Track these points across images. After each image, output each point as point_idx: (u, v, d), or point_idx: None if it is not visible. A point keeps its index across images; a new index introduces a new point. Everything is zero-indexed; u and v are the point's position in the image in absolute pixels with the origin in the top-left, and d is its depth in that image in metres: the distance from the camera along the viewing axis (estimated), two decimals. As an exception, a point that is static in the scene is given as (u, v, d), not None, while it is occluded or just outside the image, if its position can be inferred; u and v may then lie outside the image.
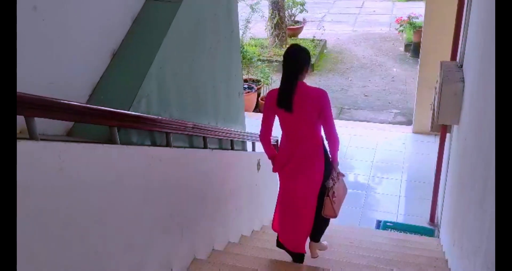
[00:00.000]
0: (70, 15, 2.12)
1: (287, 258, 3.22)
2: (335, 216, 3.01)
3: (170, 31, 2.63)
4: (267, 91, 2.92)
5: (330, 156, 2.93)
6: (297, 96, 2.73)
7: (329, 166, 2.93)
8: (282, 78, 2.77)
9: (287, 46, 10.01)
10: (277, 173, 3.06)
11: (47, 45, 2.00)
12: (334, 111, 6.19)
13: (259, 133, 2.99)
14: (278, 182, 3.10)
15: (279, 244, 3.24)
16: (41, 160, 1.45)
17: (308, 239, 3.19)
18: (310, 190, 2.95)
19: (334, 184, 2.93)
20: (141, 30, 2.61)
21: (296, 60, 2.75)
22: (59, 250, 1.54)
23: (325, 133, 2.87)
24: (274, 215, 3.29)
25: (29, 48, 1.89)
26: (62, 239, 1.56)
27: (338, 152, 2.94)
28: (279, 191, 3.13)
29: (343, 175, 3.01)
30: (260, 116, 2.92)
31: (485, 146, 1.95)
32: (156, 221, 2.28)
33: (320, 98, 2.75)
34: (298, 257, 3.23)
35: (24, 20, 1.84)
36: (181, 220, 2.59)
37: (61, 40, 2.08)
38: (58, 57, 2.07)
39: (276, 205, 3.27)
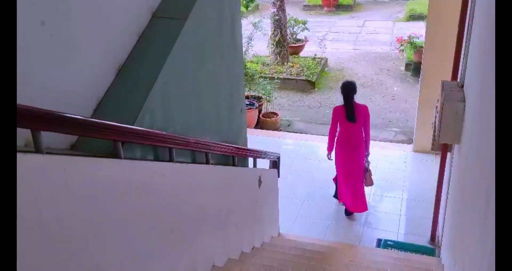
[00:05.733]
0: (77, 30, 2.15)
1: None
2: (372, 184, 5.33)
3: (175, 47, 2.66)
4: (334, 107, 5.24)
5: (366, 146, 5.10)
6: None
7: (366, 152, 5.14)
8: (344, 100, 4.97)
9: (289, 63, 10.22)
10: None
11: (54, 60, 2.03)
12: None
13: (328, 132, 5.21)
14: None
15: (347, 212, 5.43)
16: (46, 173, 1.46)
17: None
18: (358, 163, 5.13)
19: (368, 165, 5.19)
20: (146, 46, 2.64)
21: (350, 90, 4.95)
22: (61, 263, 1.54)
23: (364, 132, 5.06)
24: (338, 190, 5.49)
25: (37, 62, 1.92)
26: (65, 251, 1.56)
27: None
28: (338, 169, 5.28)
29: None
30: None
31: (486, 165, 1.96)
32: (158, 235, 2.28)
33: (365, 112, 5.01)
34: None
35: (33, 35, 1.88)
36: (182, 235, 2.58)
37: (67, 54, 2.11)
38: (64, 72, 2.10)
39: (338, 181, 5.40)
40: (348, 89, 4.93)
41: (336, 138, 5.14)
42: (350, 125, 4.97)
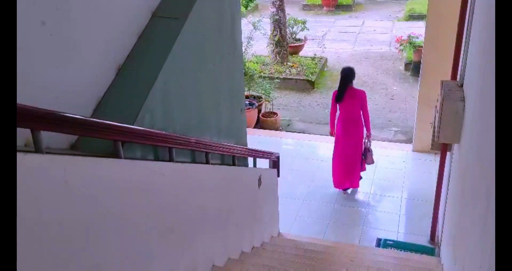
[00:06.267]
0: (77, 30, 2.15)
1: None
2: (373, 163, 5.72)
3: (175, 47, 2.65)
4: (332, 92, 5.69)
5: (365, 127, 5.51)
6: (347, 95, 5.39)
7: (363, 133, 5.52)
8: (339, 84, 5.45)
9: (288, 63, 10.23)
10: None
11: (54, 60, 2.03)
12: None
13: (329, 112, 5.74)
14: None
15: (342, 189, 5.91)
16: (46, 173, 1.46)
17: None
18: (357, 144, 5.56)
19: (370, 144, 5.58)
20: (146, 46, 2.64)
21: (347, 74, 5.42)
22: (61, 263, 1.54)
23: (363, 115, 5.44)
24: (333, 177, 5.86)
25: (37, 62, 1.92)
26: (65, 251, 1.56)
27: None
28: (335, 150, 5.70)
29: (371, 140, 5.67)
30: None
31: (486, 165, 1.96)
32: (158, 235, 2.28)
33: (361, 96, 5.41)
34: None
35: (33, 35, 1.87)
36: (182, 235, 2.58)
37: (67, 54, 2.11)
38: (64, 72, 2.10)
39: (333, 164, 5.81)
40: (347, 73, 5.41)
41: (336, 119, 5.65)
42: (346, 107, 5.42)
